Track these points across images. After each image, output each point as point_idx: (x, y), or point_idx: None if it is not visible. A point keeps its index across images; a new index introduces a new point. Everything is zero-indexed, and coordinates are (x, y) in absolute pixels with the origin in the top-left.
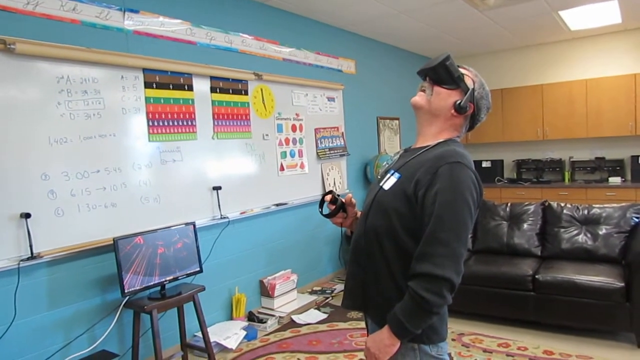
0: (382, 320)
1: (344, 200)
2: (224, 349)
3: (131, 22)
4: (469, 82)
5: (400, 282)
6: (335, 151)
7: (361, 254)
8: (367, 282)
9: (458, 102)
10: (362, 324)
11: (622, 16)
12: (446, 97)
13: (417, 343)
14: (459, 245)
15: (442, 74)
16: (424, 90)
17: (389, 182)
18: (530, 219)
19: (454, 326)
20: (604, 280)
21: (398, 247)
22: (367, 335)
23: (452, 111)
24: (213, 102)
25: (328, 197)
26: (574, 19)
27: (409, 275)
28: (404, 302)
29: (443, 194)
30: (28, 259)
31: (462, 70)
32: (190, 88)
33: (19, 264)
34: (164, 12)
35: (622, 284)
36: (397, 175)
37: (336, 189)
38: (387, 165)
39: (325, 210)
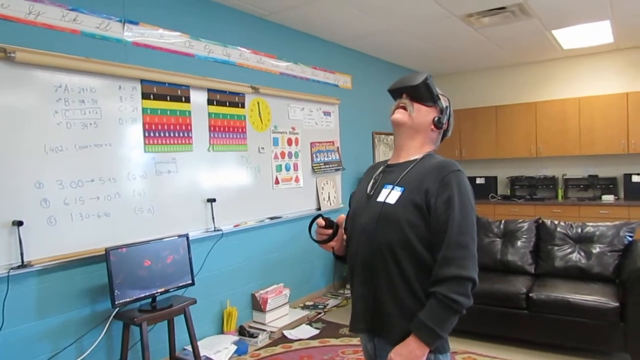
0: (401, 336)
1: (336, 222)
2: None
3: (130, 34)
4: (444, 101)
5: (420, 294)
6: (331, 165)
7: (373, 274)
8: (382, 301)
9: (437, 118)
10: (355, 341)
11: (614, 36)
12: (426, 114)
13: (434, 353)
14: (474, 247)
15: (424, 92)
16: (403, 107)
17: (392, 196)
18: (524, 236)
19: None
20: (598, 299)
21: (415, 258)
22: (373, 355)
23: (432, 126)
24: (210, 114)
25: (322, 222)
26: (567, 38)
27: (431, 281)
28: (432, 309)
29: (455, 200)
30: (18, 267)
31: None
32: (187, 100)
33: (8, 272)
34: (163, 24)
35: (617, 304)
36: (399, 188)
37: (330, 204)
38: (374, 181)
39: (314, 235)
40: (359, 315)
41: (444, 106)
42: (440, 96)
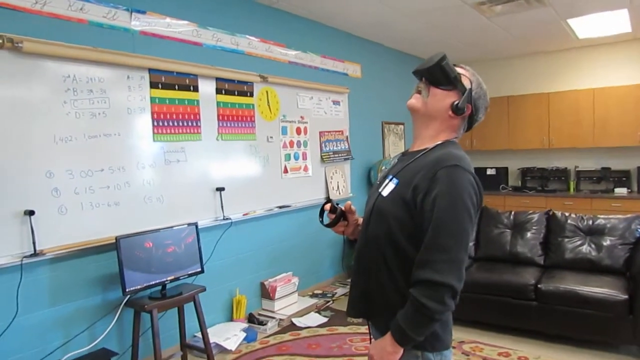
0: (385, 327)
1: (343, 208)
2: (223, 350)
3: (138, 23)
4: (466, 82)
5: (403, 289)
6: (340, 155)
7: (364, 263)
8: (370, 290)
9: (455, 103)
10: (362, 329)
11: (632, 25)
12: (442, 99)
13: (420, 350)
14: (459, 251)
15: (438, 74)
16: (419, 92)
17: (387, 188)
18: (534, 227)
19: (454, 334)
20: (607, 291)
21: (400, 254)
22: (370, 343)
23: (449, 112)
24: (218, 103)
25: (327, 206)
26: (583, 27)
27: (410, 282)
28: (406, 309)
29: (442, 199)
30: (31, 255)
31: (459, 70)
32: (196, 89)
33: (21, 260)
34: (170, 13)
35: (626, 296)
36: (395, 180)
37: (339, 193)
38: (386, 170)
39: (326, 220)
40: (352, 302)
41: (467, 89)
42: (463, 77)
